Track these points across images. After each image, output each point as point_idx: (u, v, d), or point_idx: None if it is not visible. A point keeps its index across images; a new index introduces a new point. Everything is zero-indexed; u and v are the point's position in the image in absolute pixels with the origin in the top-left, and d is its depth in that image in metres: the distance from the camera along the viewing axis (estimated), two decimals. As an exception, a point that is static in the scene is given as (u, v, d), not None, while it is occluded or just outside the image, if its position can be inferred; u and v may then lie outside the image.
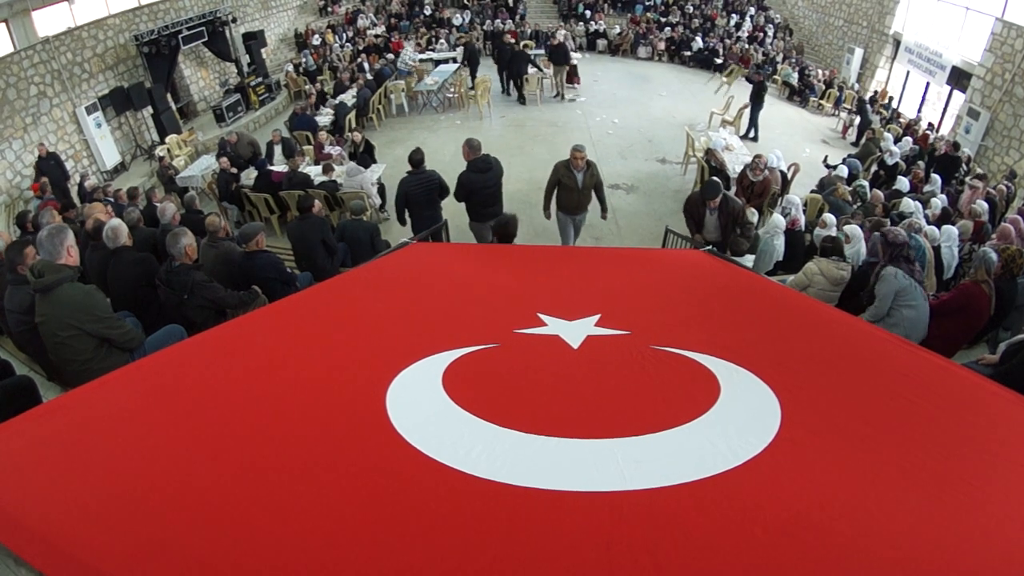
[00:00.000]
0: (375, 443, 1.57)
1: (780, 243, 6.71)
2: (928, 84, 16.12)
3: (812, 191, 9.16)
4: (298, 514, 1.35)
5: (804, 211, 7.62)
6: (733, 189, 8.58)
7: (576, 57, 15.86)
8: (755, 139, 13.36)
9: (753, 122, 13.49)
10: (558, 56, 15.19)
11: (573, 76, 16.34)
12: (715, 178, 7.15)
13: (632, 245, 8.42)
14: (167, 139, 13.63)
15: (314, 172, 9.42)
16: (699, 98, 16.41)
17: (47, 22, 13.00)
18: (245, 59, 17.69)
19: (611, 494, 1.38)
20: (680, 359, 2.04)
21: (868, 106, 14.62)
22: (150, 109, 14.22)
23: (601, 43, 21.70)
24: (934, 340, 4.69)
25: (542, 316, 2.28)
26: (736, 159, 9.87)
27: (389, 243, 7.23)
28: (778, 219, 6.72)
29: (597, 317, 2.28)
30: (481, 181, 6.42)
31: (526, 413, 1.69)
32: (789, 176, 9.38)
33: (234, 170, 9.66)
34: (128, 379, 2.04)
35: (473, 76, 16.12)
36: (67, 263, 3.71)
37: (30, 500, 1.37)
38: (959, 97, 14.60)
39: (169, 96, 15.05)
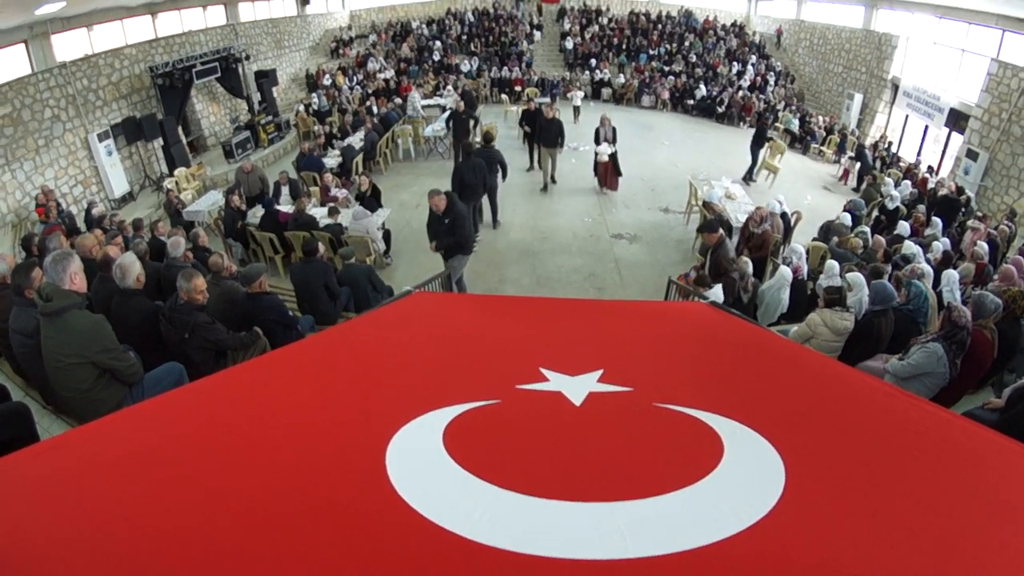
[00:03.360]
0: (374, 503, 1.54)
1: (786, 295, 6.71)
2: (927, 127, 16.39)
3: (814, 239, 9.20)
4: (289, 573, 1.32)
5: (807, 259, 7.63)
6: (736, 239, 8.61)
7: (606, 148, 12.06)
8: (752, 180, 13.82)
9: (753, 159, 13.85)
10: (549, 134, 12.08)
11: (609, 174, 12.28)
12: (714, 219, 7.54)
13: (635, 295, 8.42)
14: (176, 172, 13.77)
15: (320, 214, 9.45)
16: (701, 147, 16.68)
17: (65, 47, 13.32)
18: (256, 97, 17.99)
19: (613, 562, 1.35)
20: (683, 417, 2.02)
21: (867, 151, 14.88)
22: (161, 141, 14.39)
23: (606, 92, 22.13)
24: (940, 390, 4.70)
25: (544, 371, 2.26)
26: (739, 207, 9.91)
27: (392, 288, 7.25)
28: (785, 271, 6.73)
29: (600, 372, 2.26)
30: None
31: (527, 474, 1.66)
32: (792, 223, 9.41)
33: (242, 207, 9.73)
34: (126, 423, 2.02)
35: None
36: (73, 289, 3.69)
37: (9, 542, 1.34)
38: (957, 139, 14.82)
39: (180, 129, 15.26)
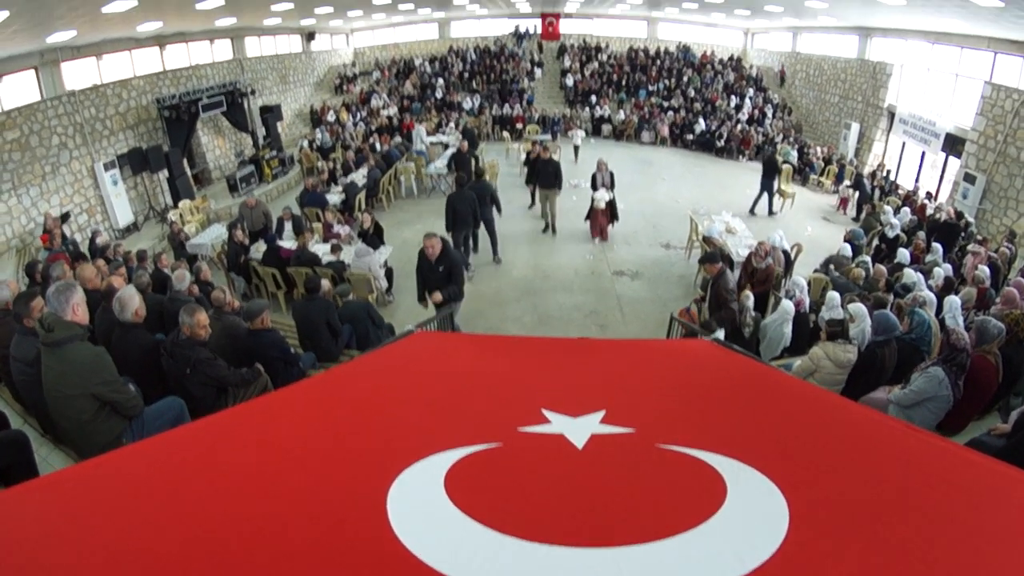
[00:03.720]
0: (375, 548, 1.53)
1: (788, 330, 6.69)
2: (924, 153, 16.55)
3: (816, 270, 9.19)
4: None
5: (808, 291, 7.64)
6: (737, 273, 8.62)
7: (603, 195, 11.45)
8: (772, 212, 14.01)
9: (769, 192, 14.00)
10: (546, 175, 11.86)
11: (601, 218, 11.65)
12: (715, 251, 7.51)
13: (637, 332, 8.38)
14: (180, 204, 13.86)
15: (323, 250, 9.48)
16: (701, 181, 16.79)
17: (75, 75, 13.56)
18: (261, 131, 18.23)
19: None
20: (686, 459, 2.01)
21: (865, 180, 15.03)
22: (166, 172, 14.51)
23: (606, 128, 22.40)
24: (946, 415, 4.70)
25: (546, 412, 2.25)
26: (739, 242, 9.94)
27: (393, 326, 7.24)
28: (787, 305, 6.71)
29: (602, 413, 2.25)
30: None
31: (529, 520, 1.65)
32: (792, 256, 9.42)
33: (245, 241, 9.77)
34: (126, 461, 2.01)
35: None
36: (75, 320, 3.69)
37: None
38: (955, 163, 14.92)
39: (185, 162, 15.40)
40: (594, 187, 11.75)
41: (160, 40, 16.58)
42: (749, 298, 6.79)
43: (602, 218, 11.51)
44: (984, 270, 7.96)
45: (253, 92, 17.92)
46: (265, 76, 21.30)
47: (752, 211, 13.90)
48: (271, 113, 18.63)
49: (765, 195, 14.01)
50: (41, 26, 10.81)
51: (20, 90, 12.36)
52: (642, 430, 2.19)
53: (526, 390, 2.70)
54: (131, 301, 4.57)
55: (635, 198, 14.32)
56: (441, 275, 6.83)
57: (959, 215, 11.85)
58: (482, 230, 10.53)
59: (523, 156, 13.47)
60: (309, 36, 25.32)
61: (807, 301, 7.24)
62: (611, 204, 11.58)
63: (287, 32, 23.79)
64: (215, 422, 2.37)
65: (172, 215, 13.09)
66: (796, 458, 2.11)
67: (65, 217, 11.35)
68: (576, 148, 18.57)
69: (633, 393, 2.71)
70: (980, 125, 13.64)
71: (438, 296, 6.76)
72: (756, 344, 6.76)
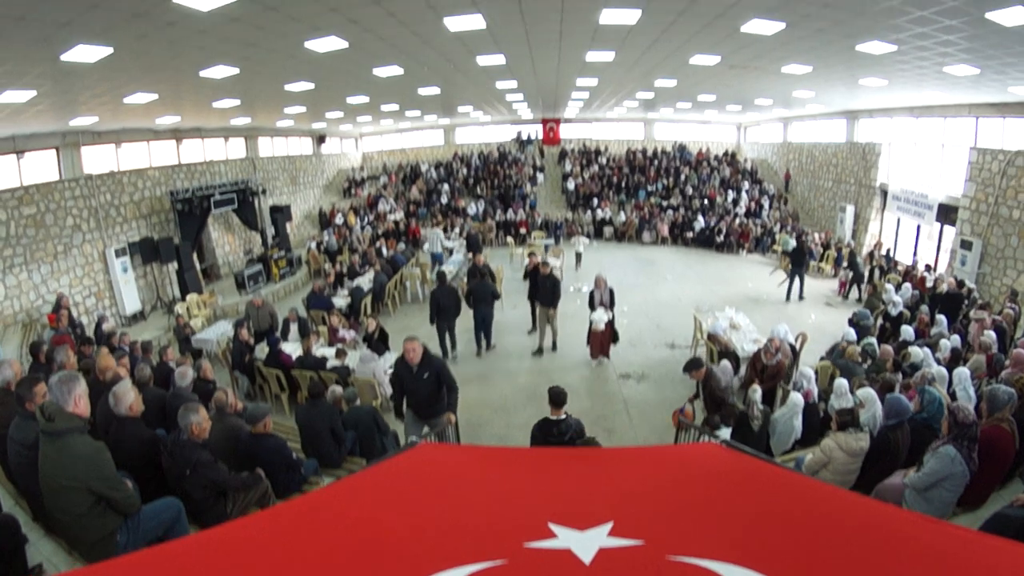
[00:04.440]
0: None
1: (799, 422, 6.59)
2: (919, 226, 16.81)
3: (822, 358, 9.12)
4: None
5: (816, 379, 7.55)
6: (743, 369, 8.55)
7: (602, 315, 10.27)
8: (801, 297, 14.48)
9: (801, 279, 14.57)
10: (544, 292, 11.02)
11: (606, 342, 10.55)
12: (697, 356, 7.55)
13: (645, 435, 8.20)
14: (188, 297, 14.01)
15: (329, 353, 9.44)
16: (703, 278, 16.99)
17: (94, 160, 14.20)
18: (270, 231, 18.64)
19: None
20: (698, 571, 1.95)
21: (858, 259, 15.24)
22: (175, 264, 14.74)
23: (608, 230, 22.79)
24: (965, 490, 4.55)
25: (552, 526, 2.20)
26: (744, 337, 9.91)
27: (397, 434, 7.10)
28: (796, 398, 6.63)
29: (610, 525, 2.20)
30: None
31: None
32: (798, 347, 9.37)
33: (250, 341, 9.79)
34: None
35: None
36: (76, 412, 3.66)
37: None
38: (950, 232, 15.07)
39: (195, 255, 15.69)
40: (591, 306, 10.53)
41: (177, 134, 17.44)
42: (756, 391, 6.71)
43: (602, 339, 10.46)
44: (990, 335, 7.89)
45: (264, 191, 18.48)
46: (276, 176, 22.05)
47: (788, 298, 14.63)
48: (281, 213, 19.07)
49: (797, 281, 14.65)
50: (65, 109, 11.37)
51: (40, 168, 12.92)
52: (652, 541, 2.14)
53: (532, 503, 2.65)
54: (126, 396, 4.53)
55: (639, 299, 14.39)
56: (427, 382, 6.30)
57: (960, 283, 11.84)
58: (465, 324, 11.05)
59: (527, 260, 13.20)
60: (320, 139, 26.48)
61: (815, 391, 7.18)
62: (611, 324, 10.50)
63: (299, 134, 24.96)
64: (215, 537, 2.32)
65: (179, 308, 13.23)
66: (808, 564, 2.05)
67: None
68: (579, 255, 18.34)
69: (642, 503, 2.66)
70: (970, 191, 13.90)
71: (452, 417, 6.43)
72: (766, 438, 6.62)
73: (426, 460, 3.54)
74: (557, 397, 5.91)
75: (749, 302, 13.99)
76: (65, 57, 7.59)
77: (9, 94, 9.15)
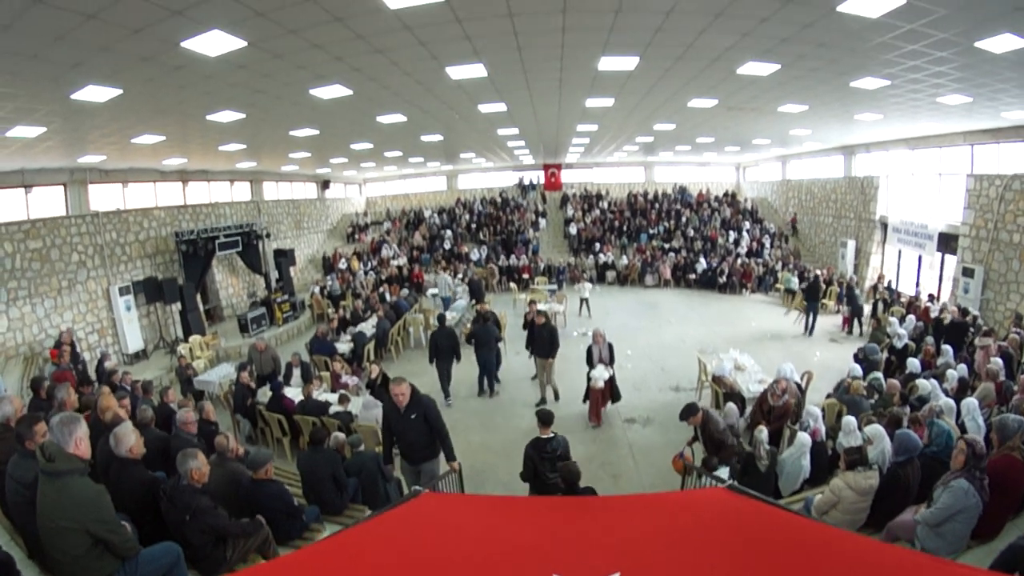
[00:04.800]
0: None
1: (807, 462, 6.50)
2: (920, 257, 16.85)
3: (828, 395, 9.03)
4: None
5: (823, 417, 7.46)
6: (749, 410, 8.46)
7: (602, 372, 9.81)
8: (811, 334, 14.89)
9: (815, 314, 14.91)
10: (541, 343, 10.74)
11: (602, 402, 10.01)
12: (691, 403, 7.38)
13: (651, 480, 8.06)
14: (190, 338, 13.98)
15: (331, 399, 9.37)
16: (706, 319, 16.95)
17: (101, 198, 14.36)
18: (274, 274, 18.73)
19: None
20: None
21: (856, 292, 15.32)
22: (179, 305, 14.75)
23: (610, 274, 22.80)
24: (979, 522, 4.47)
25: None
26: (749, 378, 9.83)
27: (400, 481, 6.98)
28: (804, 438, 6.55)
29: None
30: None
31: None
32: (804, 386, 9.28)
33: (252, 385, 9.74)
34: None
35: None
36: (76, 454, 3.64)
37: None
38: (951, 260, 15.07)
39: (198, 297, 15.70)
40: (590, 363, 10.06)
41: (183, 175, 17.76)
42: (763, 432, 6.63)
43: (598, 400, 9.90)
44: (997, 362, 7.81)
45: (268, 235, 18.60)
46: (280, 220, 22.27)
47: (808, 332, 14.95)
48: (284, 257, 19.20)
49: (811, 316, 14.96)
50: (74, 146, 11.59)
51: (48, 203, 13.12)
52: None
53: (538, 555, 2.62)
54: (126, 438, 4.51)
55: (643, 342, 14.33)
56: (415, 423, 6.14)
57: (964, 312, 11.80)
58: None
59: (528, 308, 12.81)
60: (324, 184, 26.82)
61: (823, 429, 7.08)
62: (611, 381, 10.02)
63: (303, 179, 25.35)
64: None
65: (182, 349, 13.17)
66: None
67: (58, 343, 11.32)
68: (584, 300, 18.00)
69: (648, 553, 2.63)
70: (970, 218, 13.96)
71: (455, 465, 6.32)
72: (774, 478, 6.52)
73: (430, 511, 3.50)
74: (546, 417, 6.41)
75: (753, 342, 13.93)
76: (75, 96, 7.78)
77: (20, 129, 9.36)
